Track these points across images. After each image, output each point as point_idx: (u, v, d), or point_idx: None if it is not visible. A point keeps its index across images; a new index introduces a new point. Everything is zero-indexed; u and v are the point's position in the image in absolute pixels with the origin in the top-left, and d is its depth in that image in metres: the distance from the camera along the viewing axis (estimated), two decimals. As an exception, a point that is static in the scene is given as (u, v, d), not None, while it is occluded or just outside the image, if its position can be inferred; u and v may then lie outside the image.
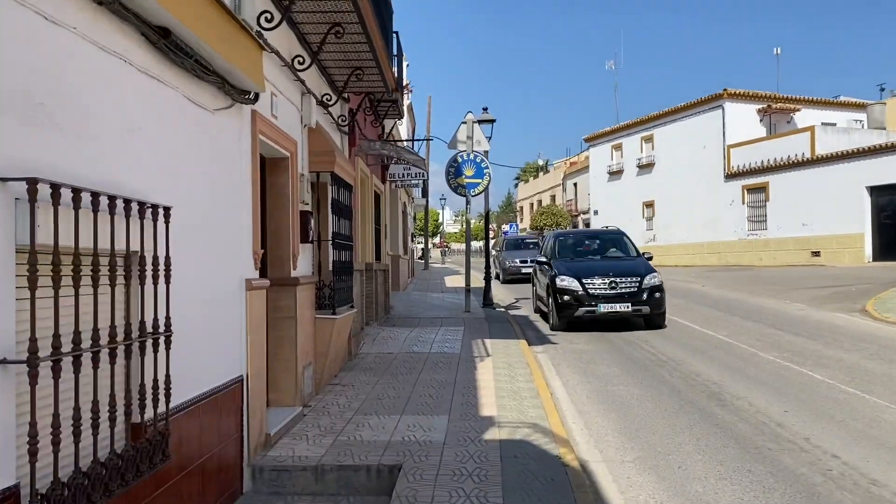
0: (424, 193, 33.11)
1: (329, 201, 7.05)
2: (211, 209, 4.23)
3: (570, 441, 5.49)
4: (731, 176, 32.47)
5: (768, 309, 14.93)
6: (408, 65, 24.62)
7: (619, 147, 41.18)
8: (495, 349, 9.79)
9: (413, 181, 14.53)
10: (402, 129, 19.99)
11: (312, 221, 6.72)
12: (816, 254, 27.91)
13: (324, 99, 7.35)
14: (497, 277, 25.09)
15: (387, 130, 13.17)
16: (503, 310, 15.59)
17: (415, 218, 39.46)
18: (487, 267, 15.74)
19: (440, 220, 78.97)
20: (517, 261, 25.14)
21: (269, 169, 6.11)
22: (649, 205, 38.56)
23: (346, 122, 8.70)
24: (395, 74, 9.08)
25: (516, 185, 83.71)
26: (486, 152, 14.12)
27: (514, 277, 25.03)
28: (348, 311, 7.69)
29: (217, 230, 4.34)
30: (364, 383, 7.50)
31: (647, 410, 6.72)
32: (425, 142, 23.54)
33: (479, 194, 14.06)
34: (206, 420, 4.08)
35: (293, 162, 6.19)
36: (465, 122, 13.79)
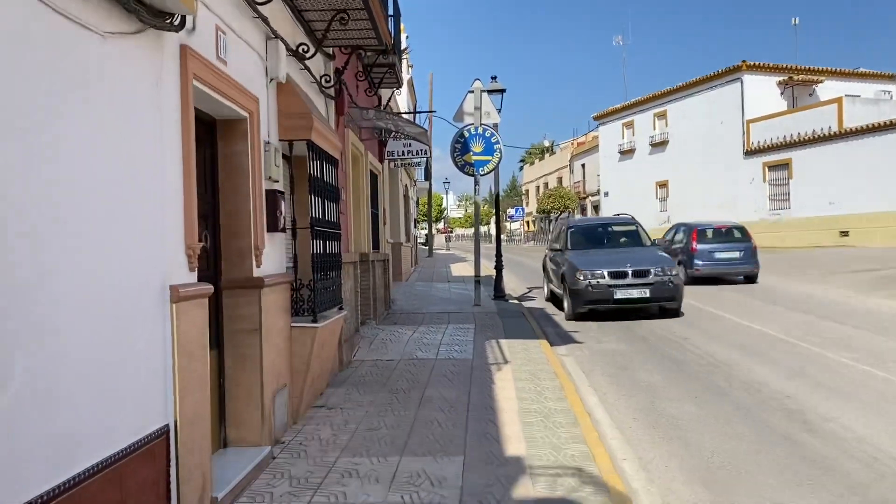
0: (427, 176, 31.52)
1: (308, 179, 5.55)
2: (104, 187, 2.76)
3: (630, 499, 4.02)
4: (750, 152, 30.82)
5: (811, 296, 13.43)
6: (407, 36, 23.00)
7: (630, 125, 39.49)
8: (513, 352, 8.34)
9: (415, 159, 13.00)
10: (402, 101, 18.44)
11: (284, 204, 5.23)
12: (845, 234, 26.32)
13: (300, 50, 5.83)
14: (560, 304, 12.83)
15: (384, 102, 11.65)
16: (516, 301, 14.12)
17: (418, 203, 37.92)
18: (499, 255, 14.20)
19: (444, 204, 77.37)
20: (605, 274, 11.32)
21: (220, 134, 4.62)
22: (663, 185, 36.95)
23: (332, 84, 7.19)
24: (391, 32, 7.54)
25: (521, 168, 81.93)
26: (495, 125, 12.58)
27: (598, 308, 11.60)
28: (336, 314, 6.23)
29: (118, 218, 2.87)
30: (356, 405, 6.04)
31: (715, 440, 5.25)
32: (427, 116, 21.86)
33: (488, 173, 12.55)
34: (92, 511, 2.62)
35: (254, 125, 4.70)
36: (471, 92, 12.22)
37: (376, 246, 11.84)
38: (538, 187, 66.61)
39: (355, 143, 9.10)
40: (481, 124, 12.29)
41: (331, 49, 7.37)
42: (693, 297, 13.60)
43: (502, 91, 13.66)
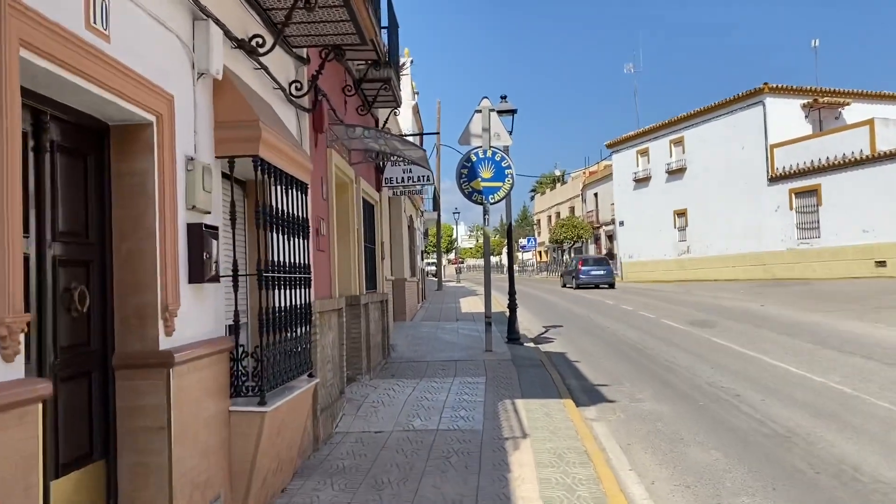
0: (436, 205, 30.18)
1: (257, 208, 4.14)
2: None
3: None
4: (775, 179, 29.30)
5: (864, 337, 11.81)
6: (412, 61, 21.87)
7: (644, 152, 38.12)
8: (532, 418, 6.81)
9: (416, 186, 11.64)
10: (405, 126, 17.12)
11: (216, 244, 3.80)
12: (881, 263, 24.61)
13: (253, 42, 4.47)
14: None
15: (380, 124, 10.33)
16: (532, 345, 12.59)
17: (426, 234, 36.56)
18: (512, 292, 12.70)
19: (454, 234, 76.08)
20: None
21: (112, 145, 3.23)
22: (681, 213, 35.40)
23: (304, 92, 5.83)
24: (375, 26, 6.20)
25: (532, 197, 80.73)
26: (506, 149, 11.21)
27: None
28: (303, 386, 4.76)
29: None
30: (326, 507, 4.53)
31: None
32: (435, 146, 20.58)
33: (499, 201, 11.13)
34: None
35: (164, 133, 3.31)
36: (479, 112, 10.88)
37: (373, 285, 10.42)
38: (550, 217, 65.27)
39: (342, 167, 7.73)
40: (490, 147, 10.93)
41: (304, 51, 6.03)
42: (728, 336, 12.07)
43: (513, 112, 12.33)
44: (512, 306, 12.49)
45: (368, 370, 8.97)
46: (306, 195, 5.19)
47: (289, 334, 4.57)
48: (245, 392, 4.02)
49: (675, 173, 35.57)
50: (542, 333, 14.92)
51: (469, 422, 6.73)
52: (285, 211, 4.56)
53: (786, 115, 29.64)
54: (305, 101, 6.02)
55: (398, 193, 11.52)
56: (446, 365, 10.18)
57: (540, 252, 67.65)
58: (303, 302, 4.99)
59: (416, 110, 22.40)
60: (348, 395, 7.76)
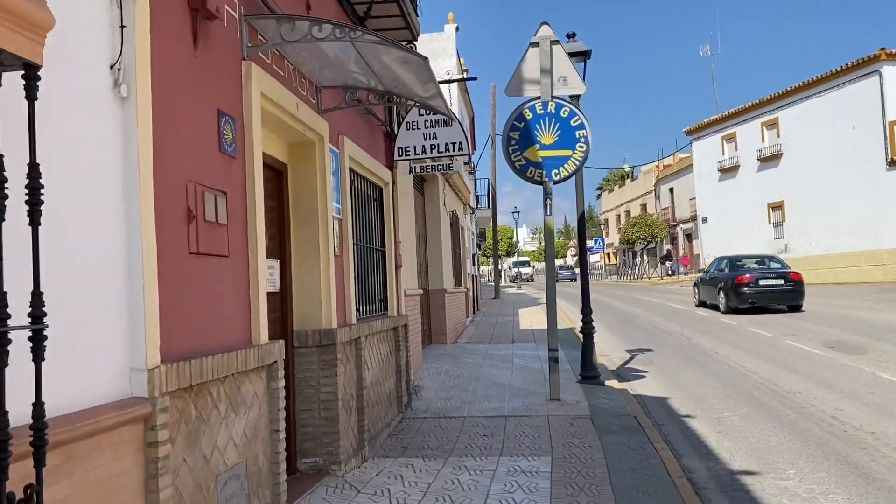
0: (492, 201, 26.56)
1: None
2: None
3: None
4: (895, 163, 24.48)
5: None
6: (457, 27, 18.45)
7: (731, 137, 33.52)
8: None
9: (443, 160, 8.07)
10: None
11: None
12: None
13: None
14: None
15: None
16: (616, 382, 8.92)
17: (483, 235, 32.98)
18: (587, 310, 9.01)
19: (514, 237, 72.13)
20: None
21: None
22: (777, 206, 30.70)
23: None
24: None
25: (598, 196, 75.93)
26: (577, 100, 7.62)
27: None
28: None
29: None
30: None
31: None
32: (489, 137, 16.93)
33: (566, 178, 7.53)
34: None
35: None
36: (535, 45, 7.32)
37: (384, 307, 7.04)
38: (618, 216, 60.64)
39: (285, 105, 4.35)
40: (553, 97, 7.36)
41: None
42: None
43: (585, 56, 8.69)
44: (587, 332, 8.82)
45: (360, 447, 5.53)
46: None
47: None
48: None
49: (769, 160, 30.89)
50: (627, 362, 11.19)
51: None
52: None
53: (909, 86, 24.80)
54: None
55: (420, 171, 8.09)
56: (490, 426, 6.67)
57: (608, 254, 63.06)
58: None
59: (463, 88, 18.96)
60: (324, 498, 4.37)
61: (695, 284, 21.10)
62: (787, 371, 9.44)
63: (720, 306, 17.96)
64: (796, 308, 17.19)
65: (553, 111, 7.41)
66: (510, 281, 56.99)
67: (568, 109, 7.43)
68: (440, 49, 18.25)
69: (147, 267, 2.67)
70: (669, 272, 42.66)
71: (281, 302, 4.89)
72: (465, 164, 16.45)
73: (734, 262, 18.60)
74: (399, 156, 7.26)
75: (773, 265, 18.32)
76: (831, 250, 27.50)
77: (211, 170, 3.35)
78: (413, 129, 7.29)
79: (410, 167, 8.05)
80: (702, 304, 19.89)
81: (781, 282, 17.09)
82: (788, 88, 29.52)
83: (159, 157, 2.83)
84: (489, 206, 26.62)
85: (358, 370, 5.65)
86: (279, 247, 4.90)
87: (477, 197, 25.69)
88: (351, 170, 5.99)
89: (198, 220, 3.14)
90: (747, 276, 17.29)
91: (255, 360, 3.57)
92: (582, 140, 7.44)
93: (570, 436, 6.23)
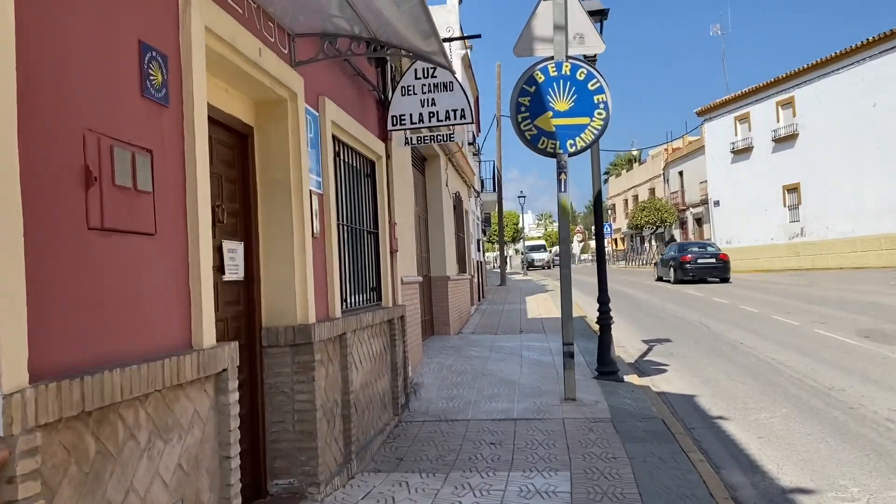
0: (497, 185, 25.61)
1: None
2: None
3: None
4: (921, 141, 23.43)
5: None
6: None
7: (744, 118, 32.44)
8: None
9: (442, 129, 7.22)
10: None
11: None
12: None
13: None
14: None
15: (397, 74, 6.03)
16: (635, 378, 8.09)
17: (488, 221, 32.07)
18: (604, 299, 8.15)
19: (520, 223, 71.11)
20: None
21: None
22: (792, 189, 29.70)
23: None
24: None
25: (605, 180, 74.75)
26: (593, 61, 6.74)
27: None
28: None
29: None
30: None
31: None
32: (494, 118, 16.02)
33: (583, 150, 6.66)
34: None
35: None
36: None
37: (377, 295, 6.22)
38: (626, 201, 59.65)
39: (249, 53, 3.50)
40: (568, 58, 6.47)
41: None
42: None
43: (602, 15, 7.79)
44: (604, 324, 7.97)
45: (346, 461, 4.72)
46: None
47: None
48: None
49: (784, 140, 29.85)
50: (645, 354, 10.37)
51: None
52: None
53: (935, 61, 23.71)
54: None
55: (418, 142, 7.24)
56: (498, 432, 5.85)
57: (615, 240, 62.13)
58: None
59: (467, 64, 18.02)
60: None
61: (654, 265, 28.80)
62: (823, 364, 8.60)
63: (671, 280, 24.27)
64: (725, 280, 23.46)
65: (568, 73, 6.52)
66: (527, 267, 53.79)
67: (585, 71, 6.53)
68: (442, 23, 17.30)
69: (1, 245, 1.83)
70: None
71: (246, 293, 4.06)
72: (469, 143, 15.54)
73: (681, 247, 25.65)
74: (393, 125, 6.39)
75: (710, 249, 24.69)
76: (850, 233, 26.53)
77: (127, 119, 2.51)
78: (409, 94, 6.41)
79: (407, 138, 7.17)
80: (659, 279, 26.30)
81: (714, 260, 23.67)
82: (805, 66, 28.42)
83: (32, 88, 2.00)
84: (494, 191, 25.70)
85: (343, 371, 4.83)
86: (243, 226, 4.07)
87: (482, 181, 24.78)
88: (335, 138, 5.14)
89: (102, 185, 2.31)
90: (689, 255, 23.95)
91: (194, 368, 2.75)
92: (601, 106, 6.56)
93: (591, 444, 5.41)
